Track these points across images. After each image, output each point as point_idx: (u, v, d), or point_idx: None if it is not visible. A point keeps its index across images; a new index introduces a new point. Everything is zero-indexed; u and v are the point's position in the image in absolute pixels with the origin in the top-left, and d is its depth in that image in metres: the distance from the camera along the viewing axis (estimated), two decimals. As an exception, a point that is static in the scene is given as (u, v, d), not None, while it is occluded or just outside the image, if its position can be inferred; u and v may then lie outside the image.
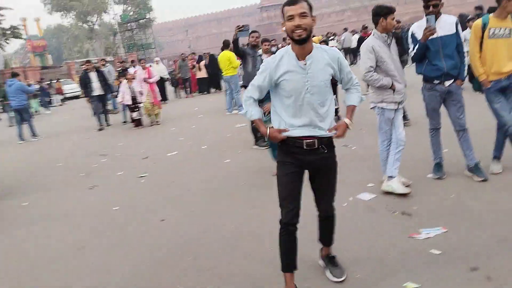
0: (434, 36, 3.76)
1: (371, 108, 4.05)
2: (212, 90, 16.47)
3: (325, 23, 66.01)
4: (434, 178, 4.11)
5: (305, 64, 2.27)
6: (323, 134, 2.38)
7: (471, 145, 4.01)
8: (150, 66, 12.42)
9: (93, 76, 10.79)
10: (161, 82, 13.72)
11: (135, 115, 10.13)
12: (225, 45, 9.88)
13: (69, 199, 5.22)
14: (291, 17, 2.17)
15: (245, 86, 6.39)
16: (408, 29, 4.16)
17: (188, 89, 16.22)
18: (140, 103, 9.98)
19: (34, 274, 3.33)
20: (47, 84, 24.01)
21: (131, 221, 4.16)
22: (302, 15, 2.16)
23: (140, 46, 47.06)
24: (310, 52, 2.27)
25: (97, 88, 10.74)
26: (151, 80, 10.11)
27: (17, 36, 32.83)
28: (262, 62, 6.30)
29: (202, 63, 15.51)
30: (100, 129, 10.78)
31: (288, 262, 2.46)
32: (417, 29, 3.90)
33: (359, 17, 62.04)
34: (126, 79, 10.07)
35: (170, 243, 3.55)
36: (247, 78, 6.36)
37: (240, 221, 3.79)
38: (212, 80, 15.89)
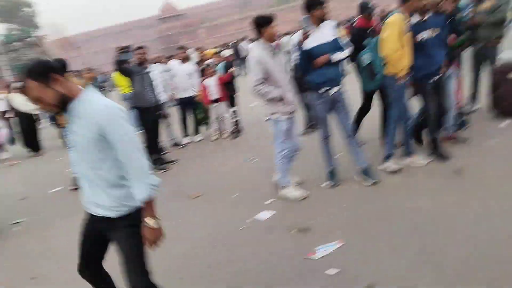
0: (316, 43, 3.75)
1: (266, 120, 3.93)
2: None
3: (226, 32, 66.80)
4: (330, 187, 4.08)
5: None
6: (106, 215, 1.99)
7: (359, 149, 4.06)
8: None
9: None
10: (29, 122, 8.63)
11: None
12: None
13: None
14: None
15: (136, 108, 5.91)
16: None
17: None
18: None
19: None
20: None
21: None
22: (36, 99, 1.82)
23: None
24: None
25: None
26: None
27: None
28: (150, 79, 5.94)
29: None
30: None
31: None
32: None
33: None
34: None
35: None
36: (136, 98, 5.88)
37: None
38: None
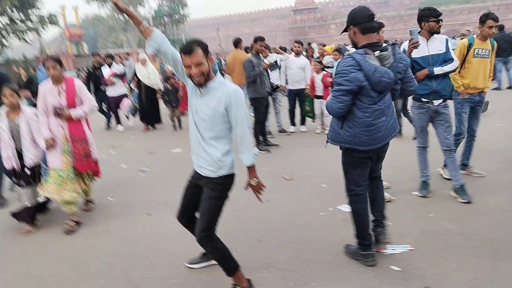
0: (425, 54, 3.79)
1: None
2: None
3: (358, 30, 64.91)
4: (419, 196, 4.10)
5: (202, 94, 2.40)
6: (209, 175, 2.51)
7: (457, 166, 4.00)
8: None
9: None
10: (150, 97, 8.67)
11: (24, 194, 3.95)
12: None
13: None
14: (187, 66, 2.28)
15: (252, 99, 6.36)
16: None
17: None
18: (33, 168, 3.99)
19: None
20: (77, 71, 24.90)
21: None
22: (198, 64, 2.25)
23: (172, 42, 47.76)
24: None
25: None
26: (74, 113, 3.93)
27: (53, 22, 33.59)
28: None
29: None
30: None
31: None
32: (406, 46, 3.88)
33: (393, 26, 61.02)
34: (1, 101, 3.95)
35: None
36: (253, 88, 6.27)
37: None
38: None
